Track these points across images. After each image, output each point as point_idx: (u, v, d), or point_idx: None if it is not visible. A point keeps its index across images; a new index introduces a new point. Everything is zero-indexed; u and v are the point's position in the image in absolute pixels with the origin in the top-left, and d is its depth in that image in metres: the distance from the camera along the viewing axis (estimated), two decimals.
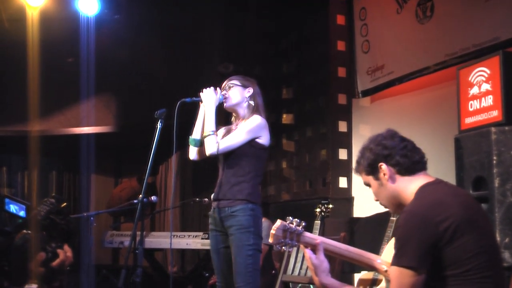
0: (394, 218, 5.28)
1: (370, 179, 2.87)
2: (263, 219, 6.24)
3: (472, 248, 2.55)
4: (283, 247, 2.77)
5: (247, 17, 8.52)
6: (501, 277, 2.64)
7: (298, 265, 5.10)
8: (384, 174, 2.79)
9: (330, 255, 2.92)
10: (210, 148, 4.28)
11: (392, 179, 2.79)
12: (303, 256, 5.05)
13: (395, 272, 2.58)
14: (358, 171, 2.94)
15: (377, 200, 2.92)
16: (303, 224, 2.79)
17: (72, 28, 7.64)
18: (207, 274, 6.86)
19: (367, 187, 2.95)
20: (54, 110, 8.71)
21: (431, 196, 2.67)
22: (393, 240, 2.96)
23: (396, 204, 2.84)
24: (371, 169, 2.83)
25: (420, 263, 2.53)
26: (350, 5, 7.44)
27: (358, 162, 2.93)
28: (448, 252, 2.54)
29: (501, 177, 3.80)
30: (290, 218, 2.78)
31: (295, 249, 5.09)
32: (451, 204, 2.61)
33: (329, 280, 2.81)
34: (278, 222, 2.75)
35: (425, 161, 2.83)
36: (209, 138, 4.30)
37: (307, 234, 2.82)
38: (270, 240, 2.75)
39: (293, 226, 2.75)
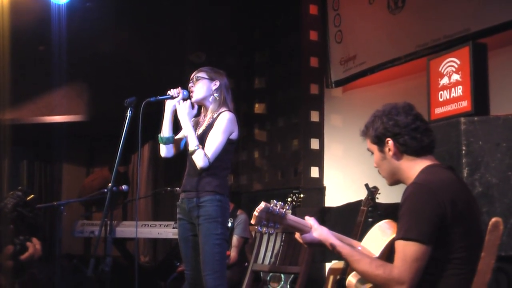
0: (365, 208, 5.31)
1: (375, 148, 2.87)
2: (239, 212, 6.27)
3: (463, 239, 2.55)
4: (265, 229, 2.69)
5: (220, 7, 8.49)
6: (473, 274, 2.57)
7: (268, 254, 5.11)
8: (389, 150, 2.79)
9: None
10: (201, 163, 4.27)
11: (396, 156, 2.79)
12: (274, 246, 5.06)
13: (401, 245, 2.55)
14: (365, 135, 2.94)
15: (376, 167, 2.91)
16: (287, 207, 2.73)
17: (43, 16, 7.55)
18: (178, 264, 6.84)
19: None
20: (25, 98, 8.60)
21: (439, 175, 2.66)
22: (374, 228, 2.94)
23: (395, 179, 2.85)
24: (378, 141, 2.83)
25: (427, 236, 2.50)
26: None
27: (367, 127, 2.92)
28: (447, 234, 2.53)
29: (469, 167, 3.83)
30: (274, 201, 2.72)
31: (265, 238, 5.11)
32: (457, 189, 2.62)
33: (337, 242, 2.76)
34: (262, 204, 2.68)
35: (434, 145, 2.82)
36: (196, 153, 4.28)
37: (290, 216, 2.75)
38: (252, 221, 2.67)
39: (276, 208, 2.69)
